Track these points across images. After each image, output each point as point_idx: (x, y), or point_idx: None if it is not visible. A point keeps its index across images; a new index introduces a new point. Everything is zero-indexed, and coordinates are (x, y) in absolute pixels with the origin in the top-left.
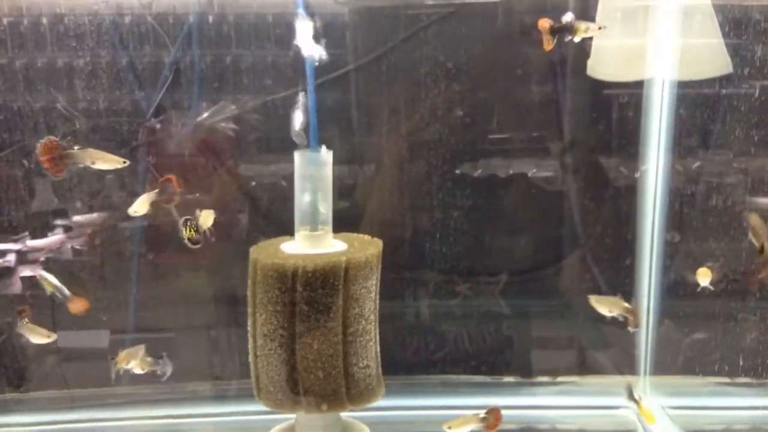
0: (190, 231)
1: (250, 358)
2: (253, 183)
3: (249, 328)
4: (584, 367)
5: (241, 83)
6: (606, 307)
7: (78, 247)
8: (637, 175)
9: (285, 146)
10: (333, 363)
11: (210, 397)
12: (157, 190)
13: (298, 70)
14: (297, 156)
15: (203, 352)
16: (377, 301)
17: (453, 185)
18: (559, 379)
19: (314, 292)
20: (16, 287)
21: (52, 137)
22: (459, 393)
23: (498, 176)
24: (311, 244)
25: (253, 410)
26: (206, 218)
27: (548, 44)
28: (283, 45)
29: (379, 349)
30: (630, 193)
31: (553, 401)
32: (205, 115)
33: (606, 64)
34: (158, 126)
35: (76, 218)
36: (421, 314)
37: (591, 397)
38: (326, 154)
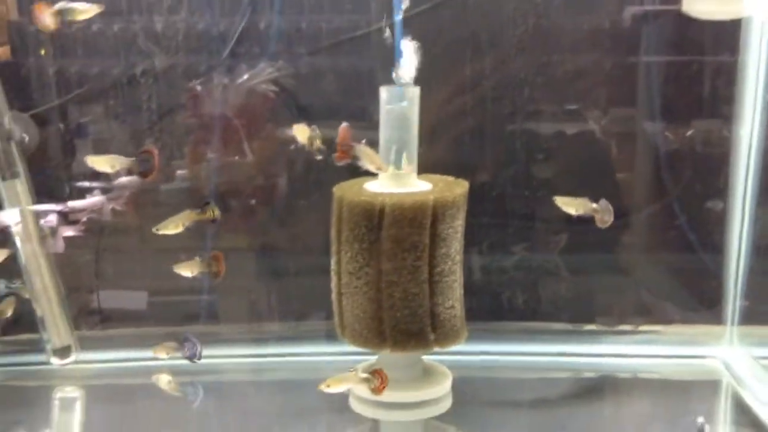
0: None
1: (333, 296)
2: (292, 146)
3: (333, 266)
4: (668, 317)
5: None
6: (573, 207)
7: (118, 208)
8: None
9: (325, 110)
10: (419, 302)
11: (287, 337)
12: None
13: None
14: (383, 91)
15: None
16: (462, 243)
17: (535, 134)
18: (642, 328)
19: (401, 230)
20: (59, 247)
21: (346, 124)
22: (538, 340)
23: (582, 128)
24: (396, 183)
25: (331, 351)
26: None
27: None
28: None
29: (462, 291)
30: (722, 141)
31: (635, 350)
32: (246, 77)
33: (701, 1)
34: (199, 88)
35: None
36: (501, 261)
37: (674, 347)
38: (412, 90)
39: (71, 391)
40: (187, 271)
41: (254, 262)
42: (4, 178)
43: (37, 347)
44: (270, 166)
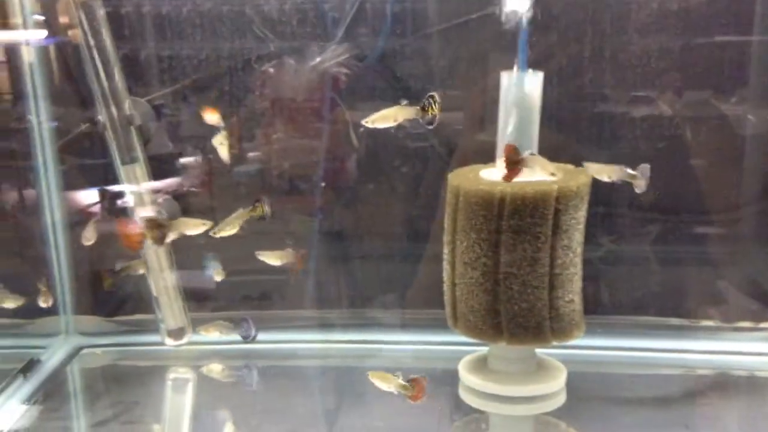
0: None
1: (446, 286)
2: (362, 129)
3: (446, 256)
4: None
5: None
6: (606, 174)
7: (193, 189)
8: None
9: (398, 93)
10: (538, 295)
11: (393, 325)
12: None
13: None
14: (504, 77)
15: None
16: (584, 234)
17: (627, 118)
18: (762, 324)
19: (522, 221)
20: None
21: (510, 143)
22: (653, 335)
23: (680, 112)
24: None
25: (437, 340)
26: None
27: None
28: None
29: (582, 285)
30: None
31: (753, 347)
32: (318, 59)
33: None
34: (272, 70)
35: (186, 160)
36: (615, 253)
37: None
38: (535, 76)
39: (184, 373)
40: (275, 260)
41: (330, 245)
42: (123, 163)
43: (151, 328)
44: (345, 148)
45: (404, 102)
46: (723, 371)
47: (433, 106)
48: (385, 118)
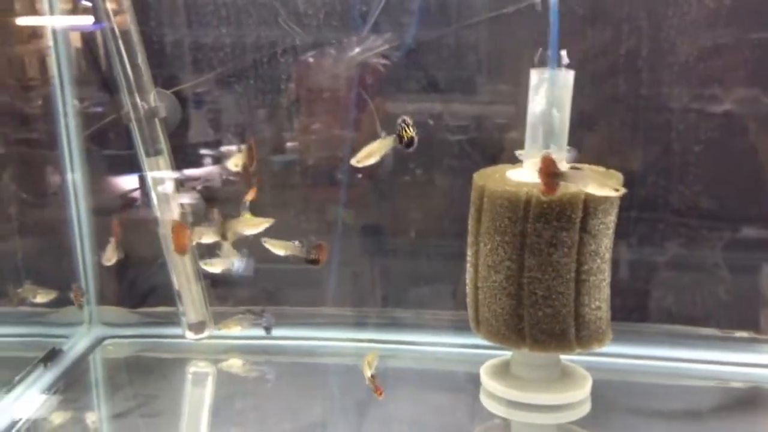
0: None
1: (468, 288)
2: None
3: (469, 258)
4: None
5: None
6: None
7: (231, 178)
8: None
9: (435, 85)
10: (563, 301)
11: (415, 325)
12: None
13: None
14: (533, 74)
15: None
16: (613, 239)
17: (694, 120)
18: None
19: (548, 224)
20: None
21: (550, 153)
22: (685, 345)
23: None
24: None
25: (459, 342)
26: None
27: None
28: None
29: (609, 291)
30: None
31: None
32: (357, 50)
33: None
34: (311, 60)
35: (225, 149)
36: (651, 259)
37: None
38: (566, 74)
39: (204, 366)
40: (279, 249)
41: (362, 240)
42: (148, 155)
43: (174, 320)
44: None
45: (383, 134)
46: (757, 384)
47: (407, 129)
48: (371, 154)
